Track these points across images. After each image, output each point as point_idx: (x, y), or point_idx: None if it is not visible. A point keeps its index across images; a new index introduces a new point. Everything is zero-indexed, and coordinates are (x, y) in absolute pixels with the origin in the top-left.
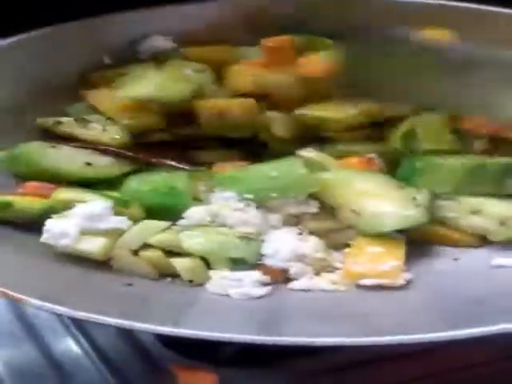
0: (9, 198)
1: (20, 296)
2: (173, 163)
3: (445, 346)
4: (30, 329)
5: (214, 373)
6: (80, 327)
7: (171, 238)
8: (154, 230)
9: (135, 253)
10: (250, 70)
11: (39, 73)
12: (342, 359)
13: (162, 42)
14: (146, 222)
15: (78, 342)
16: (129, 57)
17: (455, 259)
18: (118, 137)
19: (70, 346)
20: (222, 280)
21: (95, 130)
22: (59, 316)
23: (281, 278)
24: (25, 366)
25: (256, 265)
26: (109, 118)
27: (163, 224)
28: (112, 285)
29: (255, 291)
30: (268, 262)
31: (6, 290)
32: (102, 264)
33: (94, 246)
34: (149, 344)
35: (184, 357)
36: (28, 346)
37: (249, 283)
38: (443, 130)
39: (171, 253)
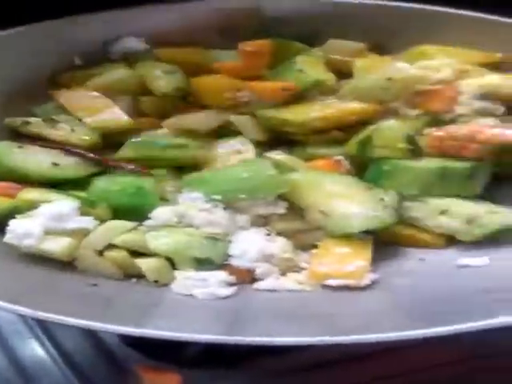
0: None
1: None
2: (133, 167)
3: (410, 345)
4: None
5: (179, 373)
6: (45, 330)
7: (137, 239)
8: (120, 230)
9: (100, 253)
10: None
11: (8, 72)
12: (307, 359)
13: (134, 43)
14: (111, 222)
15: (43, 344)
16: (100, 57)
17: (421, 259)
18: (86, 138)
19: (35, 350)
20: (186, 280)
21: (63, 131)
22: (23, 318)
23: (247, 278)
24: None
25: (222, 265)
26: (78, 119)
27: (129, 224)
28: (76, 285)
29: (220, 291)
30: (235, 262)
31: None
32: (66, 264)
33: (57, 246)
34: (114, 345)
35: (148, 357)
36: None
37: (214, 283)
38: (398, 138)
39: (137, 253)
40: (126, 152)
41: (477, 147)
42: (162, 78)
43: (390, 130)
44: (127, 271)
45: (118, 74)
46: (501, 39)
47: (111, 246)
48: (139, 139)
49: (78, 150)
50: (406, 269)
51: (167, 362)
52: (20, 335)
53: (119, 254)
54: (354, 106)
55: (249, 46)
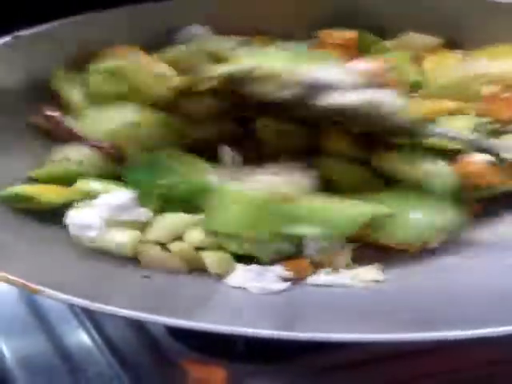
0: (30, 189)
1: (36, 287)
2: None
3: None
4: (42, 320)
5: (225, 368)
6: (92, 319)
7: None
8: (186, 224)
9: (163, 247)
10: None
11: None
12: (354, 356)
13: (199, 30)
14: (174, 214)
15: (90, 334)
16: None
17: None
18: None
19: (81, 339)
20: (246, 273)
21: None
22: (72, 308)
23: (305, 273)
24: (35, 357)
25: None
26: None
27: (194, 218)
28: (129, 277)
29: (274, 286)
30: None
31: (23, 281)
32: (119, 257)
33: (123, 238)
34: (160, 337)
35: (195, 351)
36: (40, 337)
37: (270, 277)
38: None
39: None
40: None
41: None
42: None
43: None
44: (190, 265)
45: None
46: None
47: (174, 240)
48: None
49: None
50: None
51: (213, 356)
52: (67, 323)
53: (185, 248)
54: (449, 104)
55: (336, 37)
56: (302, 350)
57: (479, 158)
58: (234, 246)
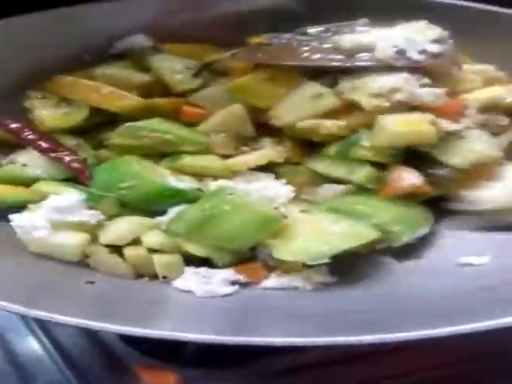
0: None
1: None
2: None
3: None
4: None
5: (177, 373)
6: (42, 327)
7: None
8: (144, 227)
9: (115, 250)
10: None
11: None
12: (306, 359)
13: (141, 40)
14: (134, 217)
15: (40, 341)
16: (103, 52)
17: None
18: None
19: (32, 346)
20: (193, 276)
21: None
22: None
23: (258, 277)
24: None
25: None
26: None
27: (152, 221)
28: (74, 283)
29: (221, 289)
30: None
31: None
32: (63, 262)
33: (71, 240)
34: (112, 344)
35: (147, 356)
36: None
37: (217, 281)
38: None
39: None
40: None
41: None
42: (184, 73)
43: None
44: (140, 270)
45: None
46: None
47: (129, 244)
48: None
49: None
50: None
51: (165, 362)
52: (17, 331)
53: (141, 253)
54: None
55: None
56: (252, 354)
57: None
58: (192, 249)
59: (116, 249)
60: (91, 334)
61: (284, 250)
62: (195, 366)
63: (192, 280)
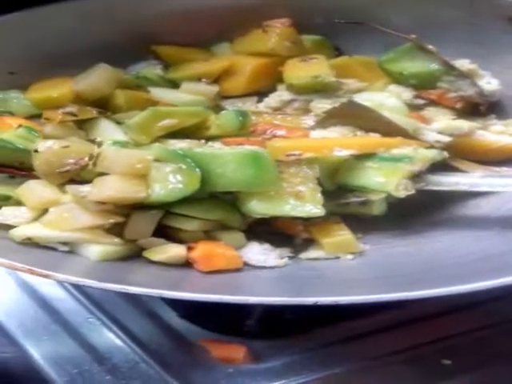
0: None
1: (46, 272)
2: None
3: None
4: (63, 324)
5: (244, 345)
6: (109, 314)
7: None
8: None
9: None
10: None
11: None
12: (366, 325)
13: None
14: None
15: (111, 330)
16: None
17: None
18: None
19: (106, 336)
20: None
21: None
22: (88, 307)
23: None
24: (68, 359)
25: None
26: None
27: None
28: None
29: (273, 261)
30: None
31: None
32: None
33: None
34: (175, 322)
35: (208, 331)
36: (66, 339)
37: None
38: None
39: None
40: None
41: None
42: None
43: None
44: None
45: None
46: None
47: None
48: None
49: None
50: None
51: (230, 335)
52: (88, 323)
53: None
54: None
55: None
56: (314, 321)
57: None
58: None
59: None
60: (154, 315)
61: None
62: (259, 337)
63: (251, 251)
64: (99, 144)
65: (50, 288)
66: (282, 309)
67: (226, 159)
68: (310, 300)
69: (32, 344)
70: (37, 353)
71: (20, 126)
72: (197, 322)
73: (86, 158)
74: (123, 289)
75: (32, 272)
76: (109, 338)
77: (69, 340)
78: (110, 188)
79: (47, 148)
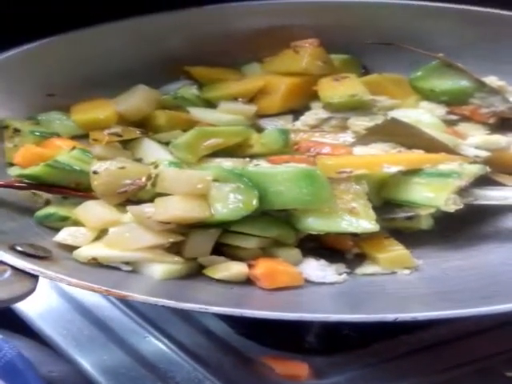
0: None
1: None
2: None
3: None
4: (110, 334)
5: (304, 361)
6: (159, 328)
7: None
8: None
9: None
10: None
11: None
12: (425, 339)
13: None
14: None
15: (162, 342)
16: None
17: None
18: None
19: (155, 347)
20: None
21: None
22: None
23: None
24: (119, 369)
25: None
26: None
27: None
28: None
29: (332, 277)
30: None
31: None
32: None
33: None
34: (228, 338)
35: (269, 348)
36: (115, 349)
37: (330, 271)
38: None
39: None
40: None
41: None
42: None
43: None
44: None
45: None
46: None
47: None
48: None
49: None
50: None
51: (289, 351)
52: (135, 334)
53: None
54: None
55: None
56: (374, 336)
57: None
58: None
59: None
60: (207, 331)
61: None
62: (319, 353)
63: (309, 267)
64: (155, 165)
65: (102, 307)
66: (341, 324)
67: (282, 178)
68: (389, 317)
69: (91, 363)
70: (96, 371)
71: (74, 147)
72: (255, 338)
73: (144, 179)
74: (202, 308)
75: (109, 293)
76: (169, 357)
77: (128, 359)
78: (176, 208)
79: (105, 169)
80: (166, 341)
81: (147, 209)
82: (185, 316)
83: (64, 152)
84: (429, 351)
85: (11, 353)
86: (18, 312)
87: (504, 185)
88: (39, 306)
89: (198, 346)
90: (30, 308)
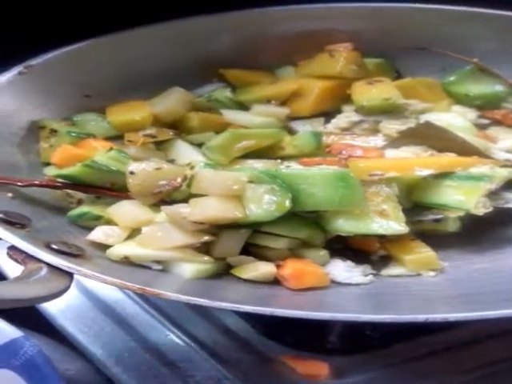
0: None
1: (156, 290)
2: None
3: None
4: (130, 330)
5: (325, 361)
6: (180, 326)
7: None
8: None
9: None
10: None
11: None
12: (446, 340)
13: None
14: None
15: (182, 340)
16: None
17: None
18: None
19: (177, 345)
20: (336, 265)
21: None
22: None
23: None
24: (139, 365)
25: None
26: None
27: None
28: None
29: (358, 279)
30: None
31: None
32: None
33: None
34: (249, 337)
35: (289, 348)
36: (135, 346)
37: (357, 272)
38: None
39: None
40: None
41: None
42: None
43: None
44: None
45: None
46: None
47: None
48: None
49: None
50: None
51: (309, 351)
52: (156, 331)
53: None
54: None
55: None
56: (394, 337)
57: None
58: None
59: None
60: (228, 331)
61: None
62: (339, 353)
63: (336, 268)
64: (191, 166)
65: (123, 304)
66: (363, 325)
67: (315, 179)
68: (420, 317)
69: (112, 360)
70: (117, 369)
71: (111, 148)
72: (276, 338)
73: (179, 180)
74: (234, 307)
75: (144, 291)
76: (189, 355)
77: (148, 356)
78: (211, 209)
79: (141, 170)
80: (186, 339)
81: (182, 209)
82: (206, 315)
83: (101, 153)
84: (449, 353)
85: (32, 350)
86: (40, 309)
87: None
88: (60, 304)
89: (219, 344)
90: (51, 305)
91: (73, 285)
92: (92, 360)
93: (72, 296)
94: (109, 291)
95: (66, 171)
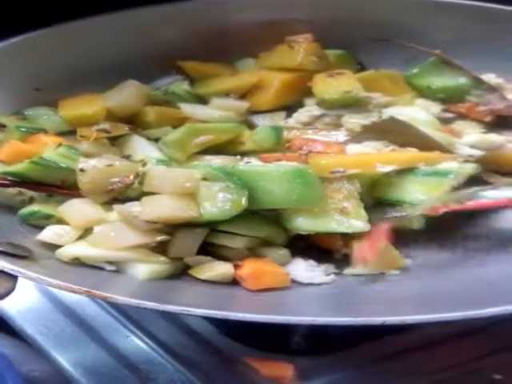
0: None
1: (104, 294)
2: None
3: None
4: (91, 332)
5: (290, 362)
6: (142, 328)
7: None
8: None
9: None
10: None
11: None
12: (409, 341)
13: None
14: None
15: (144, 342)
16: None
17: None
18: None
19: (138, 347)
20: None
21: None
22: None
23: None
24: (99, 367)
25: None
26: None
27: None
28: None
29: (320, 278)
30: None
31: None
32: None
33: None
34: (213, 339)
35: (254, 349)
36: (96, 348)
37: (319, 270)
38: None
39: None
40: None
41: None
42: None
43: None
44: None
45: None
46: None
47: None
48: None
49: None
50: None
51: (274, 352)
52: (117, 333)
53: None
54: None
55: None
56: (358, 338)
57: None
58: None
59: None
60: (191, 331)
61: None
62: (304, 354)
63: (297, 268)
64: (144, 163)
65: (83, 305)
66: (326, 325)
67: (272, 176)
68: (377, 320)
69: (72, 362)
70: (77, 371)
71: (60, 144)
72: (239, 339)
73: (131, 177)
74: (184, 310)
75: (90, 294)
76: (151, 357)
77: (109, 358)
78: (163, 207)
79: (92, 167)
80: (148, 341)
81: (134, 208)
82: (168, 316)
83: (50, 149)
84: (415, 353)
85: None
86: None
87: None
88: (20, 304)
89: (182, 346)
90: (10, 306)
91: (33, 286)
92: (51, 362)
93: (32, 297)
94: (69, 293)
95: (13, 168)
